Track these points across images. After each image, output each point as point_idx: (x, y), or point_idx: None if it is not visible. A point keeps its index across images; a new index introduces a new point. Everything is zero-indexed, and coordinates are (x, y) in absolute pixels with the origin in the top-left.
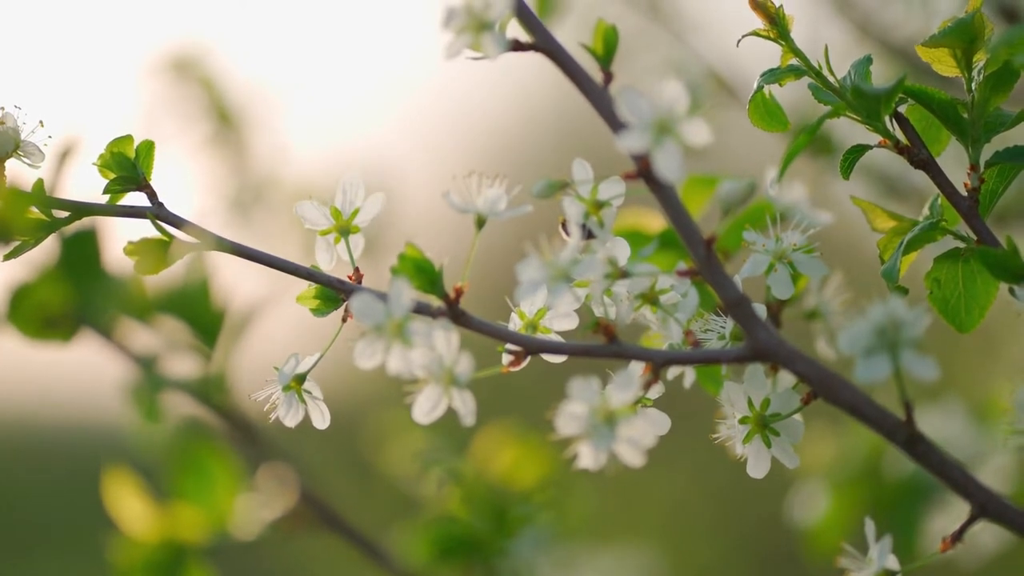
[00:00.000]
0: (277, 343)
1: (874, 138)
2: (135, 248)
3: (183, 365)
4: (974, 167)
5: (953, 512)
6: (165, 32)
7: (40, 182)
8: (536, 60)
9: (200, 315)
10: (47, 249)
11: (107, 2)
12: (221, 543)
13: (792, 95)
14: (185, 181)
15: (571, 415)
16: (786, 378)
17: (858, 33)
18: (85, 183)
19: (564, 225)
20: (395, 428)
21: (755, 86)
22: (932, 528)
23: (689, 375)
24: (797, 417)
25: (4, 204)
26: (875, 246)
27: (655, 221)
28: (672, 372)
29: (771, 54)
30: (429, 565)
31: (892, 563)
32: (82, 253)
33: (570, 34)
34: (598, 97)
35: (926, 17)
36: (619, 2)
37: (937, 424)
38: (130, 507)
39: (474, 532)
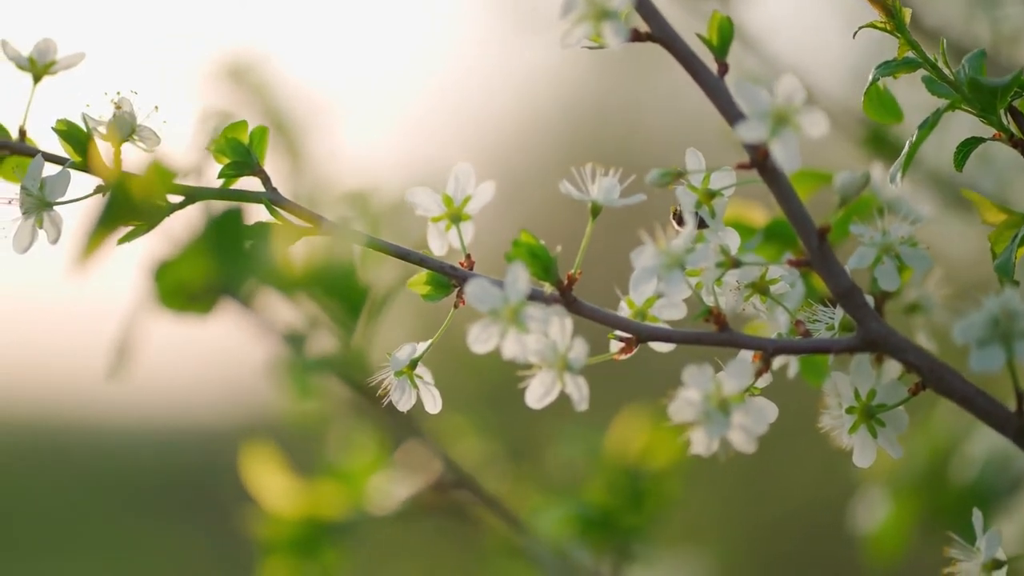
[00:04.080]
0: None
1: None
2: (250, 231)
3: (324, 342)
4: None
5: (1019, 519)
6: (218, 39)
7: (157, 165)
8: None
9: (346, 291)
10: (189, 225)
11: (156, 11)
12: (359, 520)
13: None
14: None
15: (686, 401)
16: (891, 370)
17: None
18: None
19: (676, 214)
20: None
21: (870, 78)
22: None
23: (793, 366)
24: (901, 408)
25: (141, 187)
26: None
27: (758, 213)
28: (777, 363)
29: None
30: (567, 545)
31: (1000, 554)
32: (228, 229)
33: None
34: (714, 87)
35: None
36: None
37: None
38: (272, 483)
39: (612, 512)
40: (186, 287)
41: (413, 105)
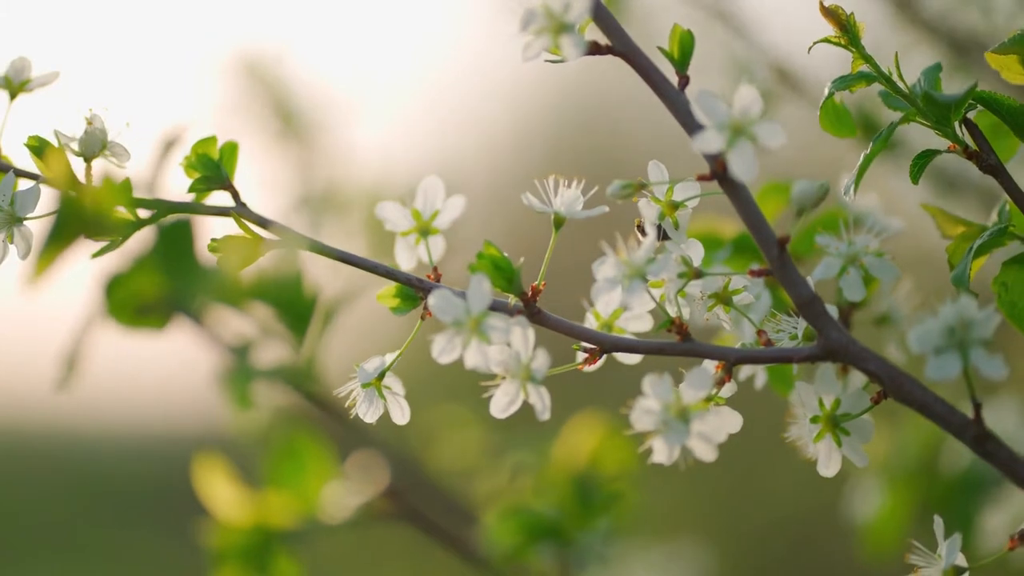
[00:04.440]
0: (352, 338)
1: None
2: (219, 245)
3: (274, 353)
4: None
5: (1008, 508)
6: (232, 34)
7: (127, 181)
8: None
9: (292, 303)
10: (141, 239)
11: (172, 6)
12: (310, 528)
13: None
14: (254, 182)
15: (646, 410)
16: (856, 379)
17: (924, 33)
18: (170, 181)
19: (640, 226)
20: (446, 423)
21: (825, 92)
22: (988, 524)
23: (760, 376)
24: (867, 417)
25: (94, 202)
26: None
27: (729, 226)
28: (744, 373)
29: (833, 53)
30: (512, 553)
31: (961, 560)
32: (177, 243)
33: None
34: (674, 100)
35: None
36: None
37: (991, 420)
38: (222, 493)
39: (557, 520)
40: (137, 301)
41: (416, 101)
